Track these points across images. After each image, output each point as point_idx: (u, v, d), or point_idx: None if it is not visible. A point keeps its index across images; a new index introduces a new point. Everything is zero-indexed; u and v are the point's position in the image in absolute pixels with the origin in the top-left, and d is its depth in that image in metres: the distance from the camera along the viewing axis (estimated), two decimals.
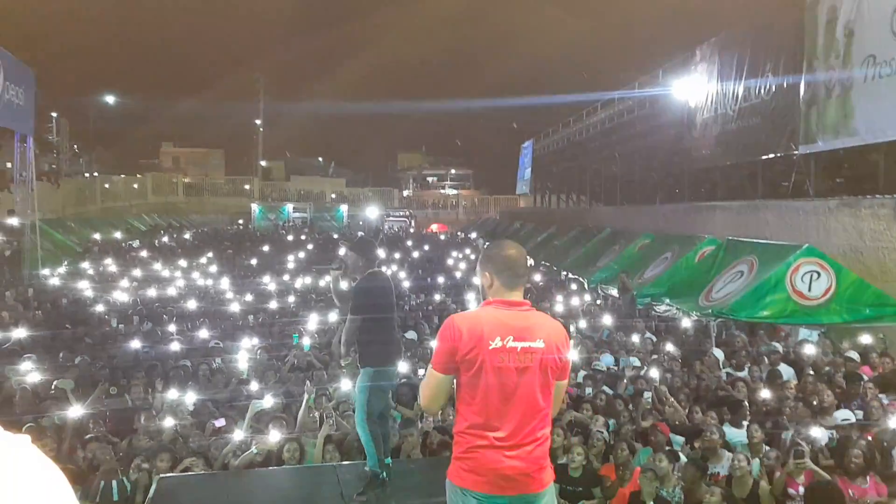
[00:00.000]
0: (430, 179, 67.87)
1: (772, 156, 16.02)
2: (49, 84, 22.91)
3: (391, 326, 5.52)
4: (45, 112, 34.39)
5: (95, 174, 41.17)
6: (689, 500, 5.96)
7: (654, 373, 9.00)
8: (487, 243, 3.37)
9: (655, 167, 24.11)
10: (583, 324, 12.44)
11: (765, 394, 8.31)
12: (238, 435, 6.66)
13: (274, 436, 6.40)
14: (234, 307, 14.13)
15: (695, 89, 19.72)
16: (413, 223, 43.21)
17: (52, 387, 8.36)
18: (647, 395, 8.32)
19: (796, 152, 14.69)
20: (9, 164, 24.73)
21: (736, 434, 7.32)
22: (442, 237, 36.90)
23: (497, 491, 3.00)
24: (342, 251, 5.34)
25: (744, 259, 12.73)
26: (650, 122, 23.10)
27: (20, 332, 10.77)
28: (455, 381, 3.10)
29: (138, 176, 43.77)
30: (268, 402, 7.52)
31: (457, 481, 3.05)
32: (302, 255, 24.19)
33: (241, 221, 40.70)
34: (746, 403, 8.08)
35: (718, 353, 10.47)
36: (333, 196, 49.62)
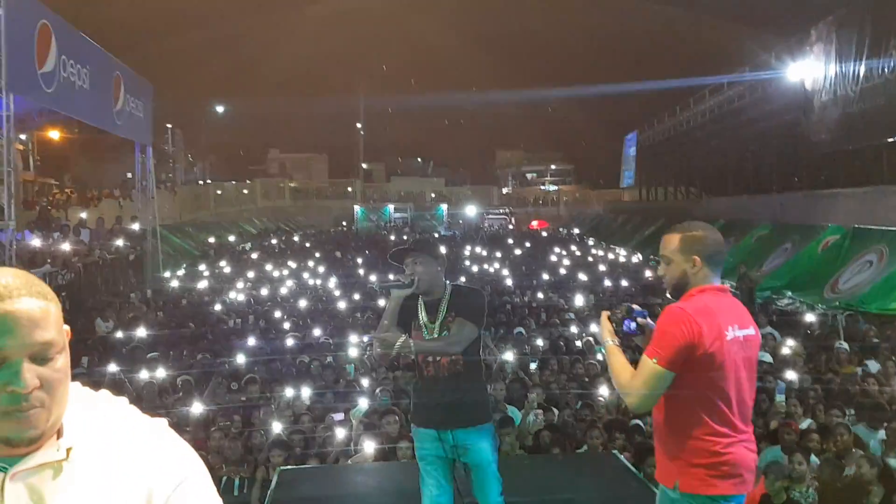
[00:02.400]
0: (529, 176, 67.39)
1: None
2: (163, 96, 24.10)
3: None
4: (161, 123, 36.25)
5: (209, 181, 43.04)
6: (824, 502, 5.60)
7: (787, 372, 8.54)
8: (681, 228, 3.02)
9: (770, 154, 23.04)
10: None
11: None
12: (343, 433, 6.79)
13: (369, 446, 6.38)
14: (342, 305, 14.44)
15: (811, 71, 18.71)
16: (513, 221, 43.01)
17: (178, 382, 8.74)
18: (780, 396, 7.84)
19: None
20: (130, 174, 26.16)
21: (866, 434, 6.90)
22: (543, 234, 36.56)
23: (748, 487, 2.86)
24: (409, 261, 4.00)
25: (873, 248, 12.00)
26: (763, 106, 22.10)
27: (145, 332, 11.34)
28: (678, 379, 2.79)
29: (248, 182, 45.45)
30: (363, 404, 7.59)
31: (709, 490, 2.79)
32: None
33: (344, 224, 41.52)
34: (882, 403, 7.56)
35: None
36: (433, 196, 50.04)
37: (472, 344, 3.92)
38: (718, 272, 2.98)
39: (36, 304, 1.26)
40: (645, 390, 2.79)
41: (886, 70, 15.01)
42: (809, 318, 11.87)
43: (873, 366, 9.13)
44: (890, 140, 15.46)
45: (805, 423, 7.27)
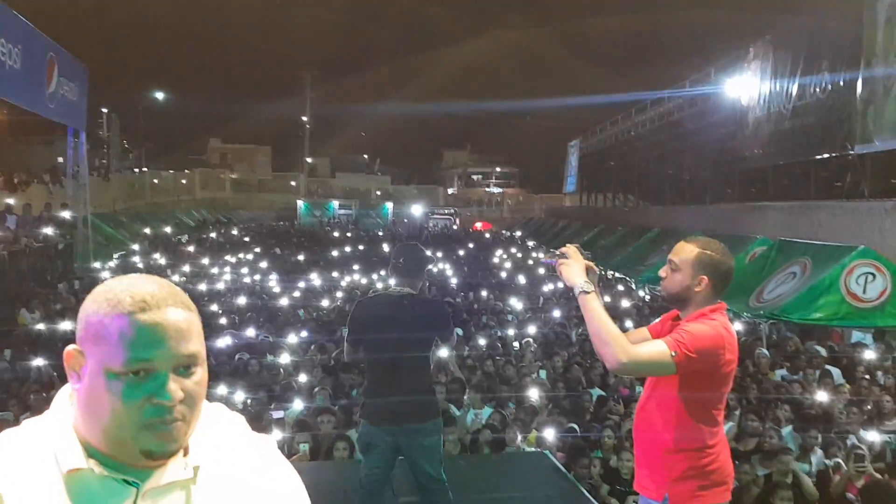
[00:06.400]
0: (475, 177, 67.76)
1: (826, 156, 15.63)
2: (99, 80, 23.36)
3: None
4: (96, 108, 35.08)
5: (145, 169, 41.86)
6: (738, 501, 5.87)
7: None
8: (701, 243, 2.90)
9: (705, 166, 23.74)
10: (630, 324, 12.27)
11: (820, 396, 8.16)
12: (279, 435, 6.77)
13: (304, 446, 6.35)
14: (283, 302, 14.34)
15: (747, 87, 19.35)
16: (457, 221, 43.26)
17: None
18: None
19: (852, 152, 14.31)
20: (61, 159, 25.31)
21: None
22: (486, 235, 36.86)
23: (730, 493, 2.94)
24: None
25: (797, 260, 12.50)
26: (700, 120, 22.74)
27: (72, 324, 11.02)
28: (690, 392, 2.79)
29: (186, 171, 44.39)
30: (298, 406, 7.61)
31: (701, 501, 2.82)
32: (348, 250, 24.46)
33: (282, 223, 40.41)
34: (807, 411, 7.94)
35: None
36: (378, 193, 49.91)
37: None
38: (720, 296, 2.93)
39: (182, 314, 1.24)
40: (642, 365, 2.73)
41: (818, 90, 15.60)
42: (736, 326, 12.32)
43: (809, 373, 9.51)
44: (818, 157, 16.09)
45: (726, 427, 7.58)
